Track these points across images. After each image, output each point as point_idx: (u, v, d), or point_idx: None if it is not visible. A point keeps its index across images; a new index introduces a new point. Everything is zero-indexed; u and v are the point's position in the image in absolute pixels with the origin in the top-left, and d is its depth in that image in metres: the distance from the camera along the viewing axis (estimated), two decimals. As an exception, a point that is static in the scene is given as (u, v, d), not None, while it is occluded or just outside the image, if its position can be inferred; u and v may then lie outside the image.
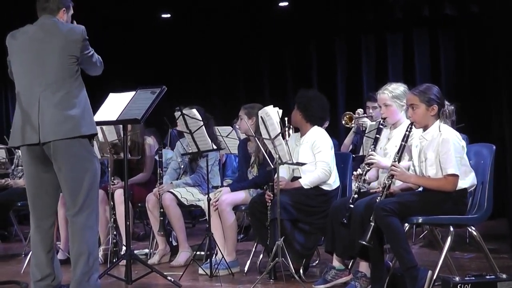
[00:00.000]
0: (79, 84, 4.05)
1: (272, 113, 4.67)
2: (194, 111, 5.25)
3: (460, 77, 8.83)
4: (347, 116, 6.69)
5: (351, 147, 6.77)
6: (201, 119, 5.21)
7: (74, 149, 3.96)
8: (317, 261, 5.48)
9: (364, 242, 4.07)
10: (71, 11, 4.24)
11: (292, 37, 9.48)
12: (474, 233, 4.20)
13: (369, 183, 4.64)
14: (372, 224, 4.05)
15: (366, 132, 6.02)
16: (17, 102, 4.06)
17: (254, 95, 9.24)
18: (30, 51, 4.02)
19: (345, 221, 4.34)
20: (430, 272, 4.02)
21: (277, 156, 4.68)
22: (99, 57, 4.20)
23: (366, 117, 6.52)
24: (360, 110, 6.67)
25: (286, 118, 4.84)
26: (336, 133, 7.74)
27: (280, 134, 4.68)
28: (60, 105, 3.93)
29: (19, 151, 6.24)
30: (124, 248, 5.06)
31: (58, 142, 3.92)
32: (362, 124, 6.53)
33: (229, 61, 9.82)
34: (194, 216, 8.09)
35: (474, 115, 8.18)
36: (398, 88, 4.68)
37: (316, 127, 5.14)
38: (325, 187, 5.01)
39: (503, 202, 6.25)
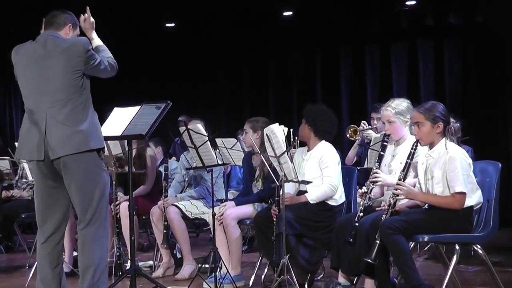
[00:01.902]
0: (86, 99, 4.05)
1: (277, 131, 4.65)
2: (199, 125, 5.23)
3: (465, 88, 8.81)
4: (352, 129, 6.61)
5: (355, 159, 6.71)
6: (206, 134, 5.20)
7: (84, 163, 3.97)
8: (321, 275, 5.46)
9: (369, 260, 4.06)
10: (78, 31, 4.24)
11: (296, 47, 9.48)
12: (480, 251, 4.17)
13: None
14: (378, 242, 4.04)
15: (371, 144, 5.97)
16: (26, 116, 4.06)
17: (259, 105, 9.25)
18: (34, 69, 4.02)
19: (350, 240, 4.33)
20: (435, 289, 4.03)
21: (283, 173, 4.67)
22: (111, 58, 4.18)
23: (371, 129, 6.48)
24: (364, 123, 6.62)
25: (291, 130, 4.80)
26: (341, 145, 7.72)
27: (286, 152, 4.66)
28: (67, 121, 3.94)
29: (24, 163, 6.29)
30: (128, 261, 5.05)
31: (68, 157, 3.93)
32: (366, 136, 6.48)
33: (234, 70, 9.83)
34: (198, 226, 8.08)
35: (480, 127, 8.15)
36: (401, 104, 4.68)
37: (323, 141, 5.12)
38: (331, 202, 4.99)
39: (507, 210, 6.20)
